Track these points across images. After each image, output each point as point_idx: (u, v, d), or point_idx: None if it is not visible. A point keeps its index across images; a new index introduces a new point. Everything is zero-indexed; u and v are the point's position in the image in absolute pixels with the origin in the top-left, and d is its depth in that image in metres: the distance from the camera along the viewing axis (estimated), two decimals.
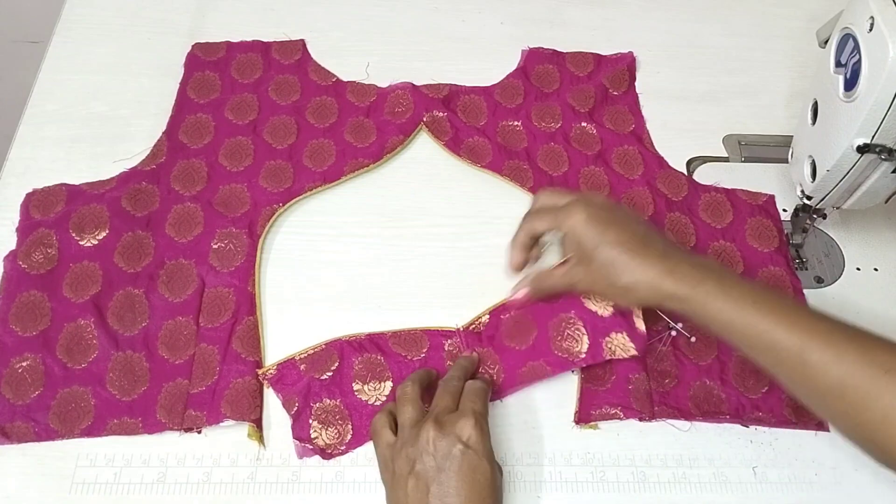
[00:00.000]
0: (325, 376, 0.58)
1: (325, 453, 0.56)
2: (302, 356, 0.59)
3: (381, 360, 0.59)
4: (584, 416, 0.58)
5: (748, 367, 0.60)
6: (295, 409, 0.57)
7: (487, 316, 0.62)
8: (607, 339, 0.57)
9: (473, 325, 0.61)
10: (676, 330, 0.61)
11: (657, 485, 0.56)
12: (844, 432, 0.49)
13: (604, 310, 0.57)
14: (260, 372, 0.58)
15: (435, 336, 0.61)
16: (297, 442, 0.56)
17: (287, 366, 0.59)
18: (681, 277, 0.51)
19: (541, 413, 0.58)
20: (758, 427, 0.59)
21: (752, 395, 0.59)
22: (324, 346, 0.59)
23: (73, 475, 0.54)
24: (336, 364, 0.58)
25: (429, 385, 0.56)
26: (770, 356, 0.50)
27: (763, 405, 0.59)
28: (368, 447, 0.56)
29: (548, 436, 0.57)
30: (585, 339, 0.57)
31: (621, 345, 0.56)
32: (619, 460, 0.56)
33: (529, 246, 0.59)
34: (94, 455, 0.55)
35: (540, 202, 0.60)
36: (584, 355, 0.57)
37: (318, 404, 0.57)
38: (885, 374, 0.46)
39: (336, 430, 0.56)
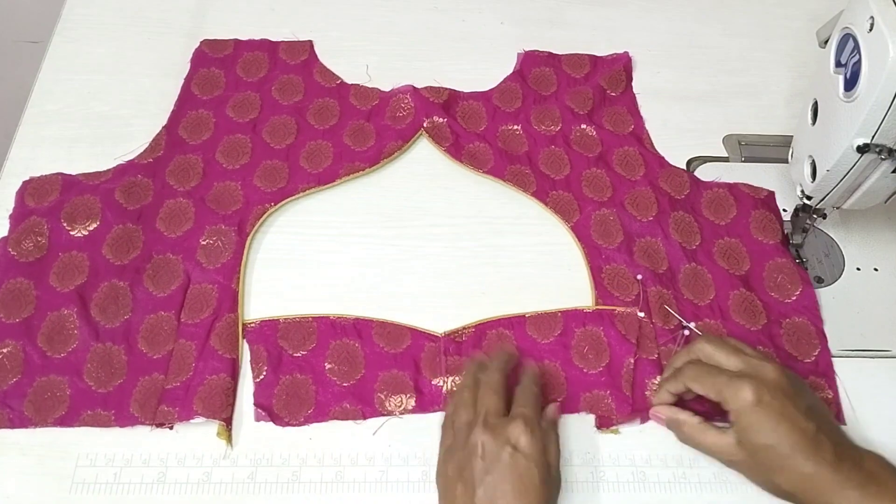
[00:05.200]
0: (298, 354, 0.59)
1: (282, 421, 0.56)
2: (286, 320, 0.60)
3: (357, 346, 0.59)
4: (605, 421, 0.58)
5: None
6: (262, 377, 0.58)
7: (473, 329, 0.61)
8: (587, 394, 0.59)
9: (456, 335, 0.60)
10: (690, 329, 0.61)
11: (657, 485, 0.55)
12: None
13: (591, 368, 0.60)
14: (241, 320, 0.59)
15: (417, 336, 0.60)
16: (256, 408, 0.57)
17: (269, 325, 0.60)
18: (851, 489, 0.48)
19: None
20: None
21: None
22: (311, 319, 0.60)
23: (73, 475, 0.54)
24: (312, 346, 0.59)
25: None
26: None
27: None
28: (371, 444, 0.56)
29: None
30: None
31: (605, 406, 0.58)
32: (619, 460, 0.56)
33: (679, 396, 0.56)
34: (94, 455, 0.55)
35: (704, 353, 0.55)
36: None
37: (286, 377, 0.58)
38: None
39: (299, 402, 0.57)
